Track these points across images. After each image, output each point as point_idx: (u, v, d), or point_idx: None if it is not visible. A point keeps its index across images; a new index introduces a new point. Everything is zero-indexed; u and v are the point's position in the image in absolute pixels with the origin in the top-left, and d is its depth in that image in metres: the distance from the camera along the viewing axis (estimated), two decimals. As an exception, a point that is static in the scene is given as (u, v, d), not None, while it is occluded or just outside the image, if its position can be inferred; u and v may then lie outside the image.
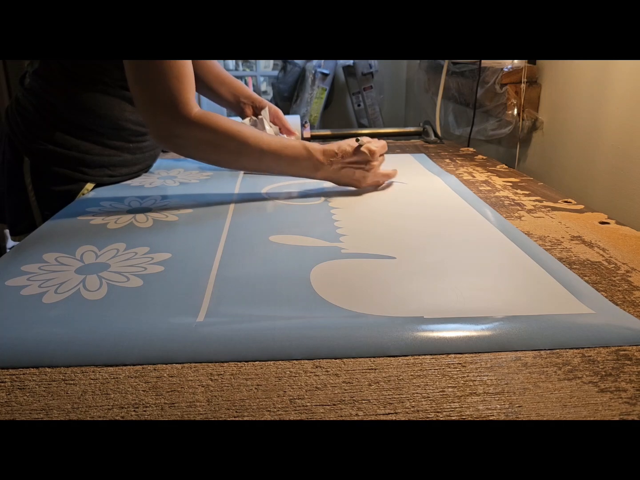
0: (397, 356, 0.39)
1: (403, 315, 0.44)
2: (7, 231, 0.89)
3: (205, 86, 0.99)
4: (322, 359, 0.39)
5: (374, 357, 0.39)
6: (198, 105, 0.71)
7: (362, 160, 0.79)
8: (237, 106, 0.99)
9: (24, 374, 0.38)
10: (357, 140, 0.79)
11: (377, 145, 0.81)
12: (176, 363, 0.39)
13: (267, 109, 0.97)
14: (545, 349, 0.40)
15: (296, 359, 0.39)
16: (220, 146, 0.72)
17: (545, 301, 0.47)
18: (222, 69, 1.00)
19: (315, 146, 0.77)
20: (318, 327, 0.42)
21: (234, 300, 0.47)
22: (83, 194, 0.82)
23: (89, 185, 0.83)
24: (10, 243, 0.85)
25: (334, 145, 0.78)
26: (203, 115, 0.70)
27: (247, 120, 0.95)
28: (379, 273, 0.52)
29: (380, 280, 0.50)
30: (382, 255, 0.56)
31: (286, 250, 0.58)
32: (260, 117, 0.95)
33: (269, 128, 0.94)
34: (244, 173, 0.94)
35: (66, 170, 0.81)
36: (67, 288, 0.49)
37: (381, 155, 0.83)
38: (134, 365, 0.39)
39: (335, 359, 0.39)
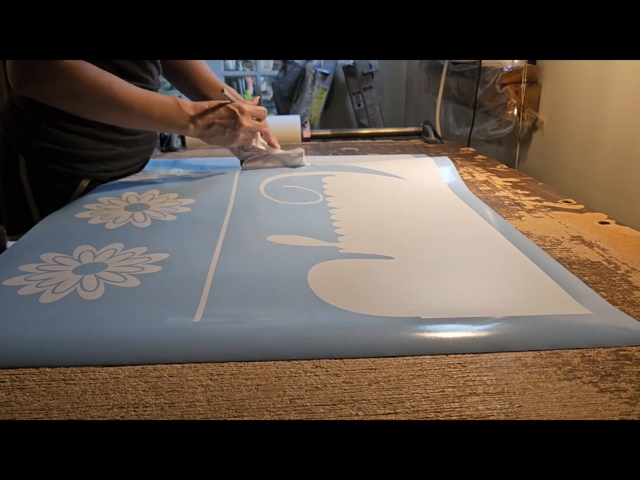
0: (396, 356, 0.39)
1: (401, 315, 0.44)
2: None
3: (195, 91, 0.98)
4: (319, 359, 0.39)
5: (372, 357, 0.39)
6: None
7: (230, 115, 0.80)
8: None
9: (23, 373, 0.37)
10: (223, 91, 0.82)
11: (250, 107, 0.83)
12: (172, 363, 0.39)
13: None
14: (542, 350, 0.40)
15: (292, 360, 0.39)
16: (85, 97, 0.70)
17: (543, 302, 0.46)
18: (213, 74, 1.00)
19: (186, 101, 0.78)
20: (315, 327, 0.42)
21: (231, 300, 0.47)
22: (80, 191, 0.82)
23: (85, 182, 0.83)
24: (10, 243, 0.85)
25: (204, 102, 0.81)
26: (72, 63, 0.68)
27: None
28: (377, 273, 0.52)
29: (379, 280, 0.50)
30: (381, 255, 0.56)
31: (284, 250, 0.58)
32: None
33: (261, 139, 0.93)
34: (242, 170, 0.93)
35: (62, 168, 0.81)
36: (64, 288, 0.49)
37: (258, 119, 0.84)
38: (130, 365, 0.38)
39: (332, 359, 0.39)
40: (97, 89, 0.70)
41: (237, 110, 0.81)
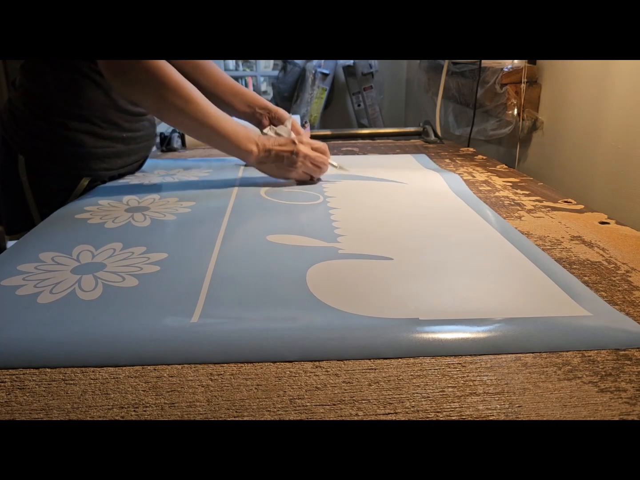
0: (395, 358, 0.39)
1: (400, 317, 0.44)
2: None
3: (217, 98, 0.95)
4: (317, 361, 0.39)
5: (371, 359, 0.39)
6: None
7: (287, 142, 0.83)
8: (253, 117, 0.97)
9: (23, 374, 0.37)
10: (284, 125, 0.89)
11: (310, 140, 0.86)
12: (168, 364, 0.39)
13: (290, 120, 0.94)
14: (541, 352, 0.40)
15: (289, 361, 0.39)
16: (166, 98, 0.73)
17: (542, 303, 0.46)
18: (233, 80, 0.97)
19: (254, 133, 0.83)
20: (312, 328, 0.42)
21: (229, 300, 0.47)
22: (80, 190, 0.82)
23: (84, 181, 0.83)
24: (10, 243, 0.85)
25: (269, 137, 0.86)
26: (162, 64, 0.72)
27: (267, 129, 0.94)
28: (376, 274, 0.52)
29: (377, 281, 0.50)
30: (380, 256, 0.56)
31: (283, 250, 0.58)
32: (282, 126, 0.93)
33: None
34: (244, 170, 0.93)
35: (61, 166, 0.81)
36: (63, 288, 0.48)
37: (315, 148, 0.86)
38: (127, 366, 0.38)
39: (330, 361, 0.39)
40: (178, 92, 0.73)
41: (295, 139, 0.84)
